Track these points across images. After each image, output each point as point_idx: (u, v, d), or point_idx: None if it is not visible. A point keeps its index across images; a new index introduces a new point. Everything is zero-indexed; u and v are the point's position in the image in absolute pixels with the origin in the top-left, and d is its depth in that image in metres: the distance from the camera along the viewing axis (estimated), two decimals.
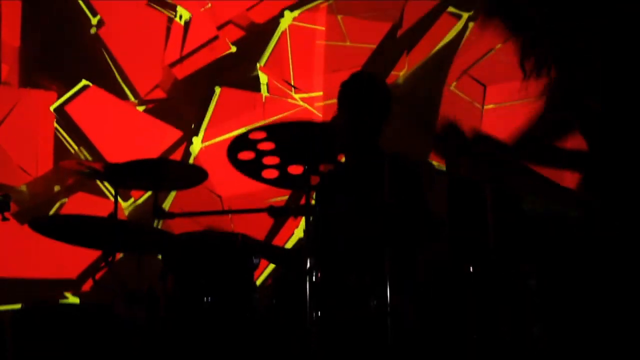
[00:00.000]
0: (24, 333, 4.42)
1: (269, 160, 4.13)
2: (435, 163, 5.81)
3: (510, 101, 5.81)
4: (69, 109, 6.83)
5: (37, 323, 4.37)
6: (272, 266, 5.95)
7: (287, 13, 6.53)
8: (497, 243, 4.25)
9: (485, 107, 5.93)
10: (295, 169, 4.16)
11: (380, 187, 4.12)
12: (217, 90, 6.64)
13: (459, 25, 6.17)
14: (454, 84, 6.01)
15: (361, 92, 4.75)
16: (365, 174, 4.53)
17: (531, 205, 4.91)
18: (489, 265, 4.00)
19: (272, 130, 3.99)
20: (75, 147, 6.72)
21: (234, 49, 6.70)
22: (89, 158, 6.60)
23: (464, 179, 4.83)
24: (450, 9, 6.21)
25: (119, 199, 4.46)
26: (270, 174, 4.17)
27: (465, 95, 5.98)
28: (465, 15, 6.15)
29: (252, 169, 4.19)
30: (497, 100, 5.91)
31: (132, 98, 6.81)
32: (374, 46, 6.28)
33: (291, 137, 4.01)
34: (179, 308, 4.15)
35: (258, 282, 4.82)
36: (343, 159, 4.81)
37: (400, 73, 6.20)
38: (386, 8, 6.29)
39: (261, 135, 4.00)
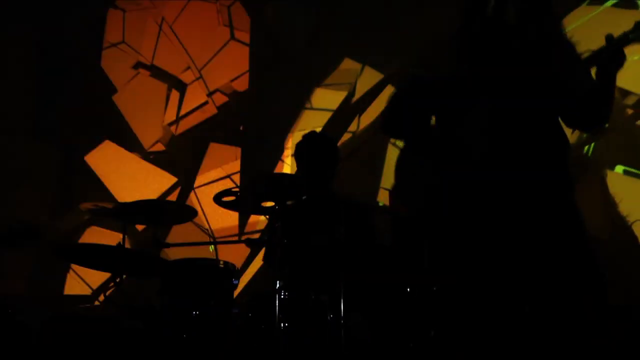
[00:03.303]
0: (48, 340, 4.46)
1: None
2: (381, 202, 5.89)
3: None
4: (87, 159, 6.80)
5: (60, 331, 4.37)
6: (249, 285, 5.90)
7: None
8: (430, 265, 4.35)
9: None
10: (267, 203, 4.25)
11: (335, 222, 4.16)
12: (207, 144, 6.62)
13: None
14: (397, 140, 5.71)
15: (313, 149, 4.76)
16: (322, 212, 4.56)
17: None
18: (423, 287, 4.01)
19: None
20: None
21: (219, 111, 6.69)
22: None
23: (405, 215, 4.89)
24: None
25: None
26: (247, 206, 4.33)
27: None
28: None
29: (233, 205, 4.28)
30: None
31: (137, 150, 6.79)
32: (332, 110, 6.29)
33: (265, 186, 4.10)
34: (172, 320, 4.14)
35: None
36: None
37: (354, 131, 6.23)
38: (343, 80, 6.31)
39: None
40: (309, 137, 4.85)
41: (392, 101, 3.04)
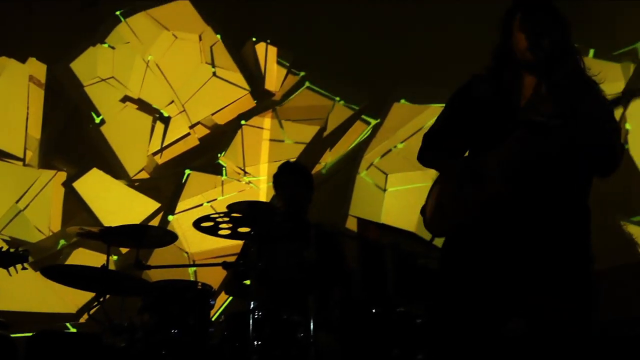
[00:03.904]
0: (34, 355, 4.41)
1: (224, 225, 4.18)
2: (349, 229, 5.93)
3: (405, 185, 5.92)
4: (76, 185, 6.76)
5: (45, 347, 4.35)
6: (224, 306, 5.91)
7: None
8: (395, 290, 4.39)
9: (387, 190, 5.98)
10: (243, 229, 4.20)
11: (307, 246, 4.19)
12: (187, 172, 6.62)
13: (368, 129, 6.26)
14: (364, 172, 6.06)
15: (291, 177, 4.78)
16: (296, 237, 4.46)
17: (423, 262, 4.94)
18: (388, 307, 4.10)
19: (228, 212, 4.06)
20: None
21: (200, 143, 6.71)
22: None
23: (371, 242, 4.87)
24: (363, 116, 6.31)
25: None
26: (224, 232, 4.23)
27: (372, 181, 6.07)
28: (373, 122, 6.25)
29: (210, 231, 4.24)
30: (396, 185, 5.96)
31: (123, 178, 6.74)
32: (305, 143, 6.34)
33: (242, 212, 4.06)
34: (152, 338, 4.15)
35: (213, 318, 4.80)
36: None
37: (325, 164, 6.28)
38: (315, 116, 6.38)
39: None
40: (287, 166, 4.88)
41: (426, 138, 3.08)
